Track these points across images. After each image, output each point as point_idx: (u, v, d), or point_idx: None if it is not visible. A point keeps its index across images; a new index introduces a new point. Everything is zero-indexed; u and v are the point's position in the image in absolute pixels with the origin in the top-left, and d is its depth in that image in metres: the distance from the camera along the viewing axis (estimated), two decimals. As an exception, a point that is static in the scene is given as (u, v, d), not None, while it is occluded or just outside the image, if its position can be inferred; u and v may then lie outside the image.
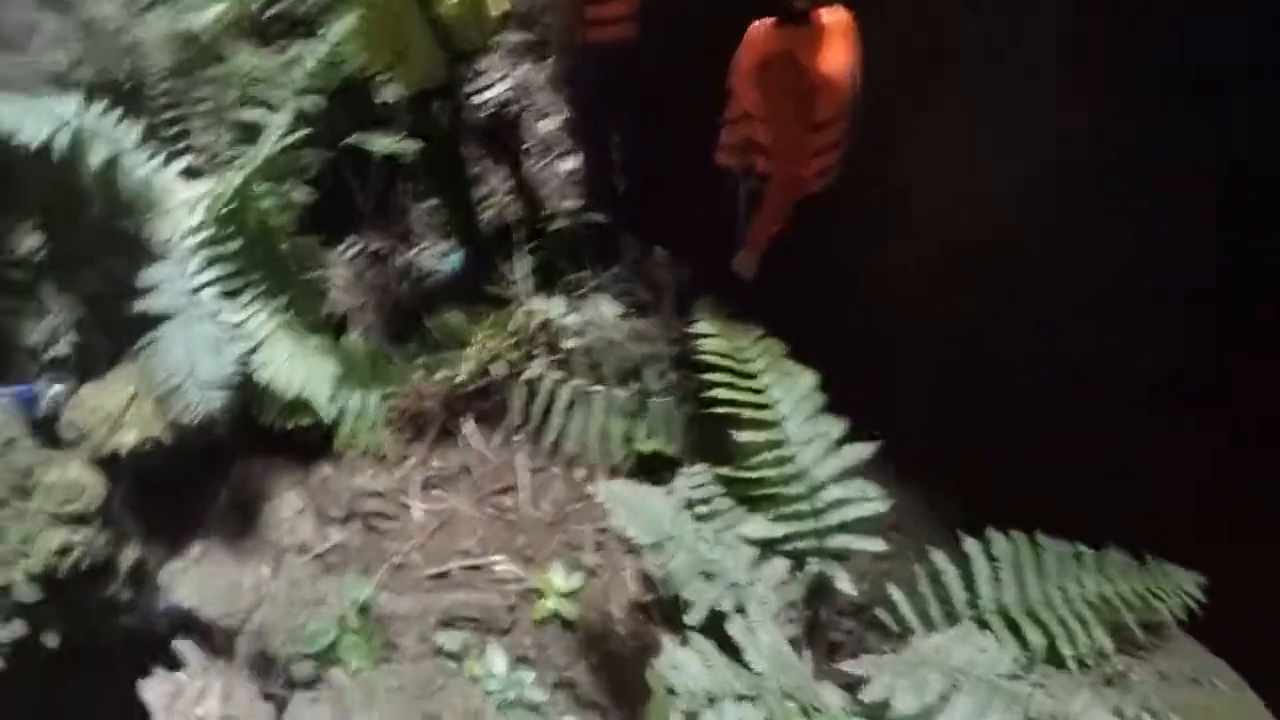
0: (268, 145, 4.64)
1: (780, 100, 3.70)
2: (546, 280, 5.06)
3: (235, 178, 4.50)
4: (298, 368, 4.44)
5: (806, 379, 3.28)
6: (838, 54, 3.70)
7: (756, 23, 3.80)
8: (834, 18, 3.74)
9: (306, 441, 4.61)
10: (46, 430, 4.59)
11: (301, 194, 4.98)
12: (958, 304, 4.06)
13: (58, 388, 4.74)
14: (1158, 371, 3.59)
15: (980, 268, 4.05)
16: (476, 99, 5.92)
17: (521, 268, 5.09)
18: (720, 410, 3.20)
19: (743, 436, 3.18)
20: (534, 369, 4.45)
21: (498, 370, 4.48)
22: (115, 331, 4.71)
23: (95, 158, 4.68)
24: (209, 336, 4.24)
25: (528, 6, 6.06)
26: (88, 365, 4.89)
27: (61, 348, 4.90)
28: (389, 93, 5.48)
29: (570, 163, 5.90)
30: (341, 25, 5.24)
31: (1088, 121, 3.73)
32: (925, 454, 3.57)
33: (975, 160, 4.02)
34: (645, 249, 5.27)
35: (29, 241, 4.90)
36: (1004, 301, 3.98)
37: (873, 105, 3.90)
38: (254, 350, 4.38)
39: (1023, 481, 3.39)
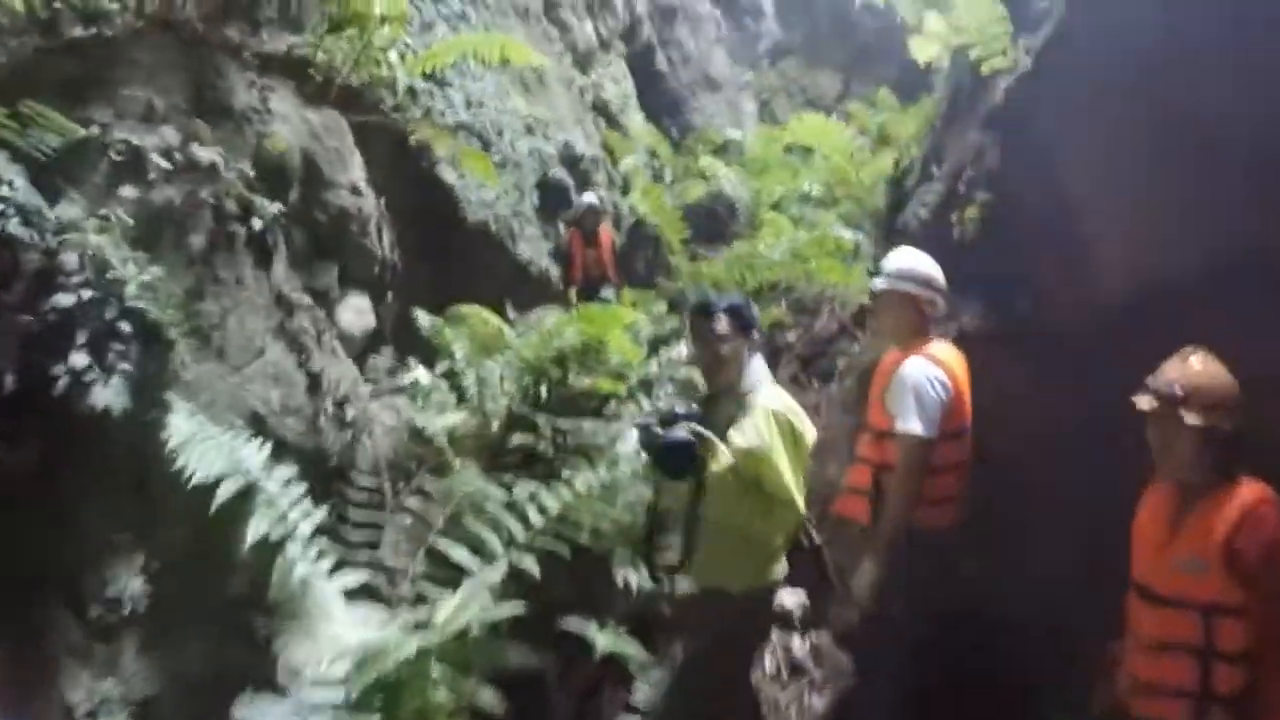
0: (465, 611, 3.40)
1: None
2: None
3: (407, 641, 3.22)
4: None
5: None
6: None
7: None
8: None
9: None
10: None
11: (488, 698, 3.40)
12: None
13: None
14: None
15: None
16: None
17: None
18: None
19: None
20: None
21: None
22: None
23: (255, 530, 3.59)
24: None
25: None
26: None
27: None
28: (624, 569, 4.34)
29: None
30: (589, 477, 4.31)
31: None
32: None
33: None
34: None
35: (131, 584, 3.61)
36: None
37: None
38: None
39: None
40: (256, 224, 4.17)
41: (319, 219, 5.29)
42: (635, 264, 10.37)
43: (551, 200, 9.56)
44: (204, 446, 3.58)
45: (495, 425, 5.82)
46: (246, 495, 3.65)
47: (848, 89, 13.63)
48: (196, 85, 4.45)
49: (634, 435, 3.60)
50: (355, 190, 5.66)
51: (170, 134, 4.01)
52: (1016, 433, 3.69)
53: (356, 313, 5.68)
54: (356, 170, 5.72)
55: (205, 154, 4.04)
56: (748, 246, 8.42)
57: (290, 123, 5.04)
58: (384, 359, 6.53)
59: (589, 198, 9.30)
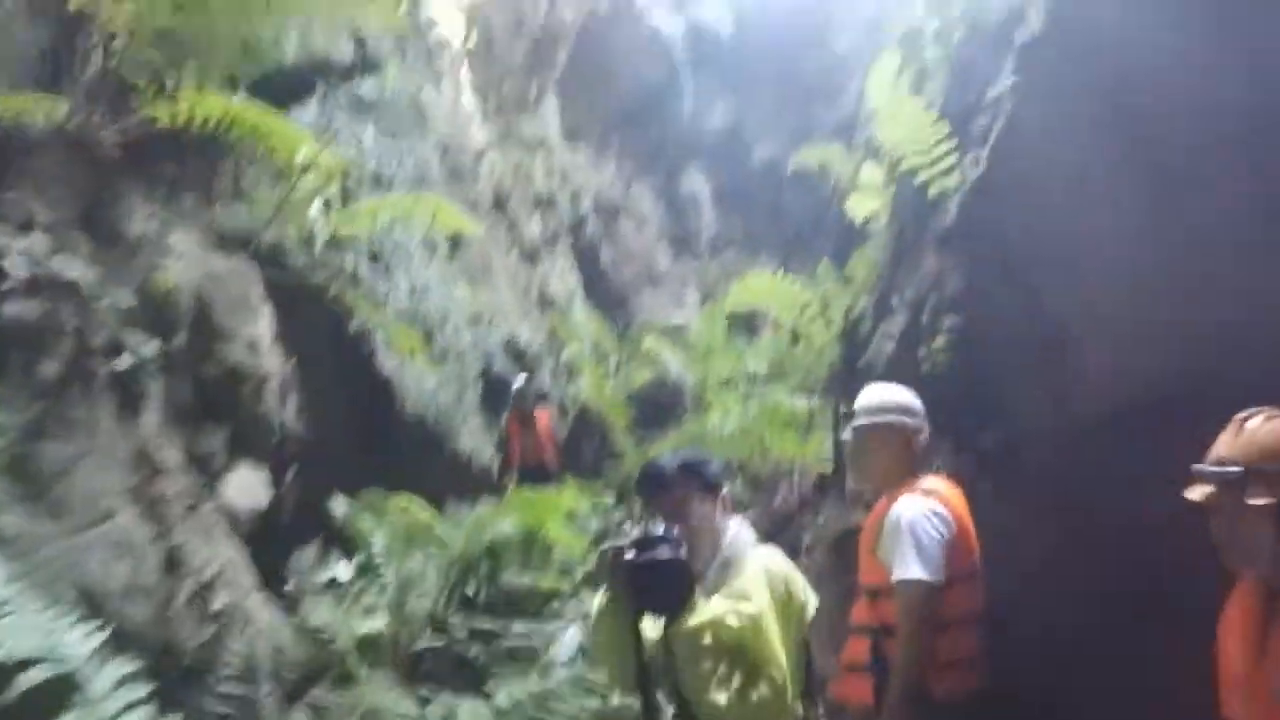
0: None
1: None
2: None
3: None
4: None
5: None
6: None
7: None
8: None
9: None
10: None
11: None
12: None
13: None
14: None
15: None
16: None
17: None
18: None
19: None
20: None
21: None
22: None
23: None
24: None
25: None
26: None
27: None
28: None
29: None
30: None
31: None
32: None
33: None
34: None
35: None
36: None
37: None
38: None
39: None
40: (125, 362, 3.58)
41: (208, 372, 4.70)
42: (582, 454, 9.89)
43: (495, 393, 9.19)
44: (11, 620, 2.83)
45: (416, 628, 5.08)
46: (60, 690, 2.85)
47: (788, 271, 13.90)
48: (90, 204, 3.98)
49: (599, 562, 2.68)
50: (253, 347, 5.13)
51: (40, 242, 3.47)
52: (1014, 573, 3.10)
53: (245, 488, 4.97)
54: (261, 326, 5.22)
55: (74, 271, 3.49)
56: (696, 425, 7.99)
57: (187, 260, 4.57)
58: (308, 552, 5.88)
59: (522, 378, 8.95)
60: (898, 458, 3.21)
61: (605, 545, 2.51)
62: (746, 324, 11.98)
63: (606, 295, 12.98)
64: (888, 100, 5.49)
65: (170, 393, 4.11)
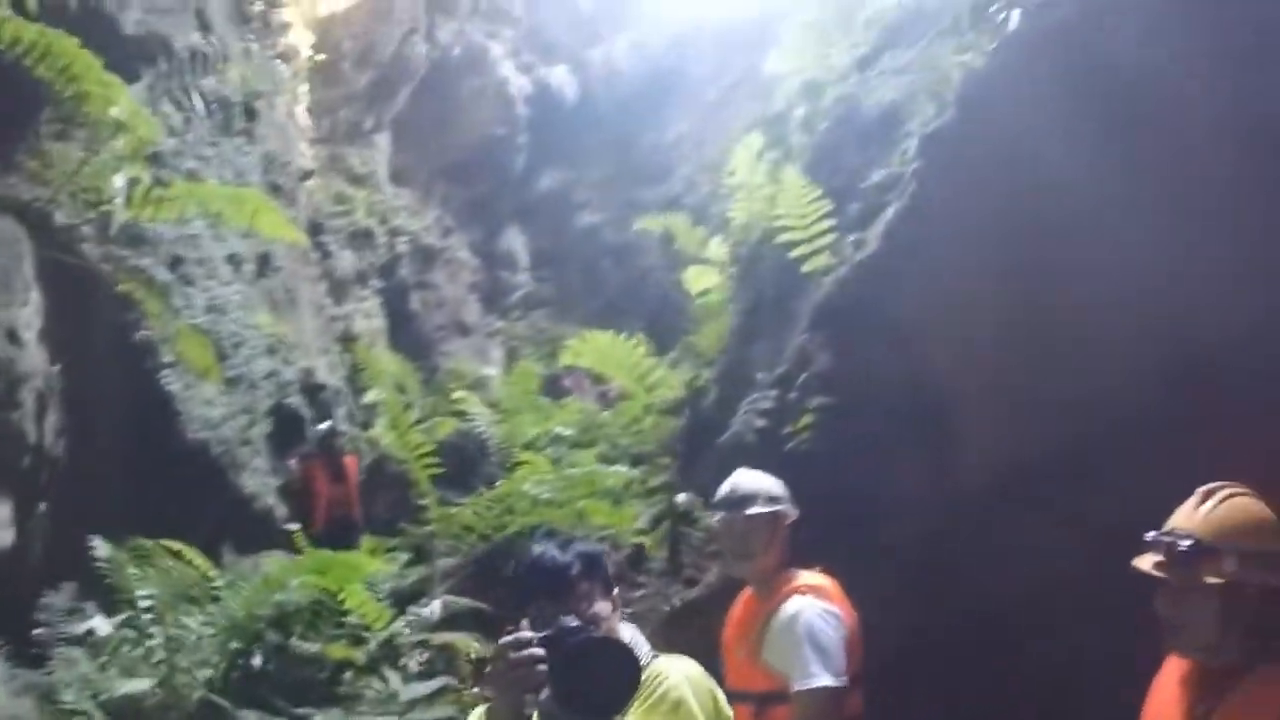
0: None
1: None
2: None
3: None
4: None
5: None
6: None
7: None
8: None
9: None
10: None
11: None
12: None
13: None
14: None
15: None
16: None
17: None
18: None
19: None
20: None
21: None
22: None
23: None
24: None
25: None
26: None
27: None
28: None
29: None
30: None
31: None
32: None
33: None
34: None
35: None
36: None
37: None
38: None
39: None
40: None
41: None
42: (376, 507, 9.23)
43: (285, 430, 8.48)
44: None
45: (190, 701, 4.45)
46: None
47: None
48: None
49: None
50: (13, 337, 4.33)
51: None
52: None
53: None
54: (27, 313, 4.42)
55: None
56: (508, 486, 7.63)
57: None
58: (61, 597, 5.10)
59: (329, 423, 8.32)
60: (773, 546, 3.09)
61: (507, 635, 1.85)
62: (552, 385, 11.86)
63: (412, 341, 12.52)
64: (754, 177, 5.61)
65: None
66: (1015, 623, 3.04)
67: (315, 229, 10.37)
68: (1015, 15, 3.74)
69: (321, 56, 9.13)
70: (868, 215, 4.12)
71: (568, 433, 10.04)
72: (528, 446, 9.84)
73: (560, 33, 14.60)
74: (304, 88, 9.10)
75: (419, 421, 10.65)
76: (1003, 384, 3.29)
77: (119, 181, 5.18)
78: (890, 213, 3.78)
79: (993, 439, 3.32)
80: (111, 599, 5.05)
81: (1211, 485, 2.03)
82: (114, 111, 4.76)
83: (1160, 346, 3.07)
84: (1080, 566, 2.94)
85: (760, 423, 4.29)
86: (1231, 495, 2.01)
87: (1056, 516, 2.35)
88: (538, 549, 2.14)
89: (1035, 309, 3.24)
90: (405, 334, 12.47)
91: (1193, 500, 2.03)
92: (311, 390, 9.20)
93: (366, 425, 10.22)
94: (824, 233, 4.23)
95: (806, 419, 3.91)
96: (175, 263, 6.92)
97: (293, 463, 8.32)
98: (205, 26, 7.07)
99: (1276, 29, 3.00)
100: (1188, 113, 3.10)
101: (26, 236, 4.45)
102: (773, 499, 3.15)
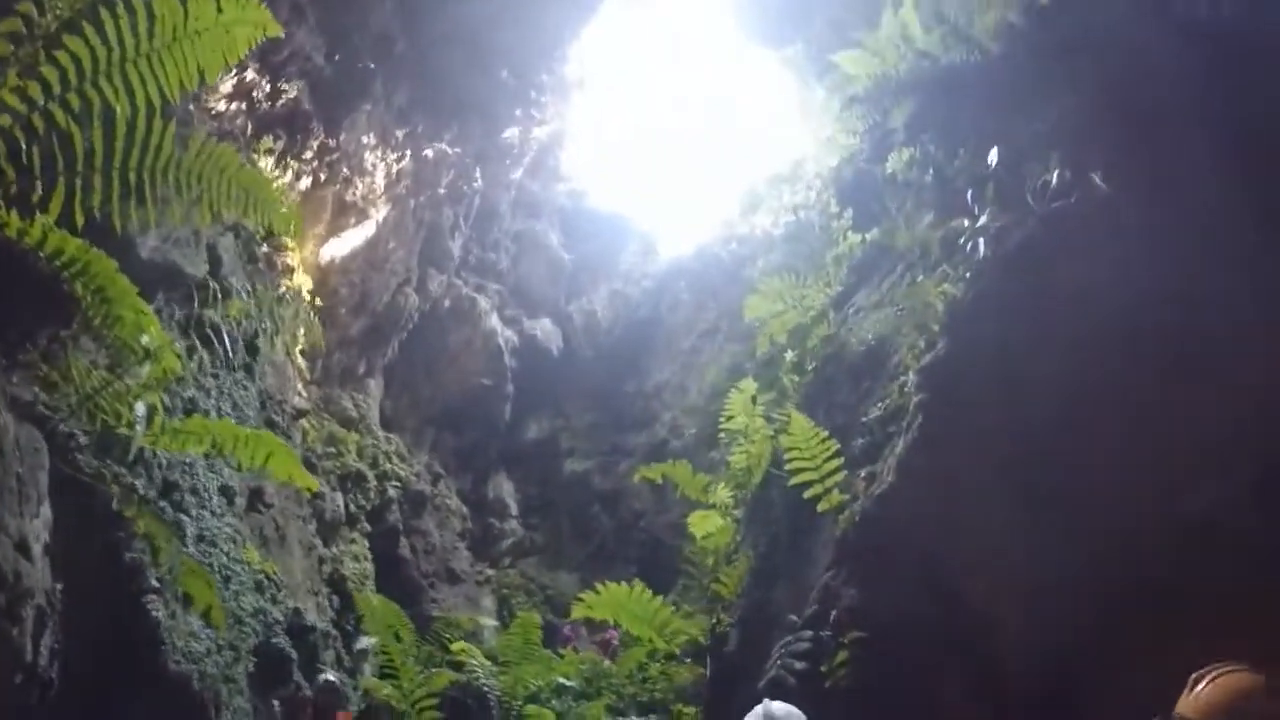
0: None
1: None
2: None
3: None
4: None
5: None
6: None
7: None
8: None
9: None
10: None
11: None
12: None
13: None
14: None
15: None
16: None
17: None
18: None
19: None
20: None
21: None
22: None
23: None
24: None
25: None
26: None
27: None
28: None
29: None
30: None
31: None
32: None
33: None
34: None
35: None
36: None
37: None
38: None
39: None
40: None
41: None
42: (367, 761, 8.57)
43: (268, 671, 8.02)
44: None
45: None
46: None
47: (587, 588, 13.76)
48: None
49: None
50: (24, 549, 4.14)
51: None
52: None
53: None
54: (38, 526, 4.29)
55: None
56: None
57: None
58: None
59: (327, 677, 7.98)
60: None
61: None
62: (550, 634, 11.46)
63: (401, 586, 12.14)
64: (753, 421, 5.82)
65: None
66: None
67: (307, 469, 10.36)
68: (981, 243, 4.08)
69: (319, 301, 9.56)
70: (873, 449, 4.27)
71: (571, 683, 9.81)
72: (531, 699, 9.53)
73: (543, 286, 15.44)
74: (302, 330, 9.46)
75: (415, 671, 10.20)
76: (1035, 582, 3.36)
77: (140, 409, 5.05)
78: (900, 446, 3.94)
79: (1039, 646, 3.36)
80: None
81: (1204, 669, 2.17)
82: (144, 339, 4.78)
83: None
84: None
85: (799, 665, 4.20)
86: (1217, 676, 2.14)
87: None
88: None
89: (1050, 501, 3.38)
90: (394, 579, 12.12)
91: (1189, 685, 2.17)
92: (299, 630, 8.80)
93: (354, 672, 9.72)
94: (834, 471, 4.34)
95: (842, 655, 3.90)
96: (168, 488, 6.85)
97: (277, 704, 7.81)
98: (215, 261, 7.41)
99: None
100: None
101: (46, 447, 4.39)
102: None
